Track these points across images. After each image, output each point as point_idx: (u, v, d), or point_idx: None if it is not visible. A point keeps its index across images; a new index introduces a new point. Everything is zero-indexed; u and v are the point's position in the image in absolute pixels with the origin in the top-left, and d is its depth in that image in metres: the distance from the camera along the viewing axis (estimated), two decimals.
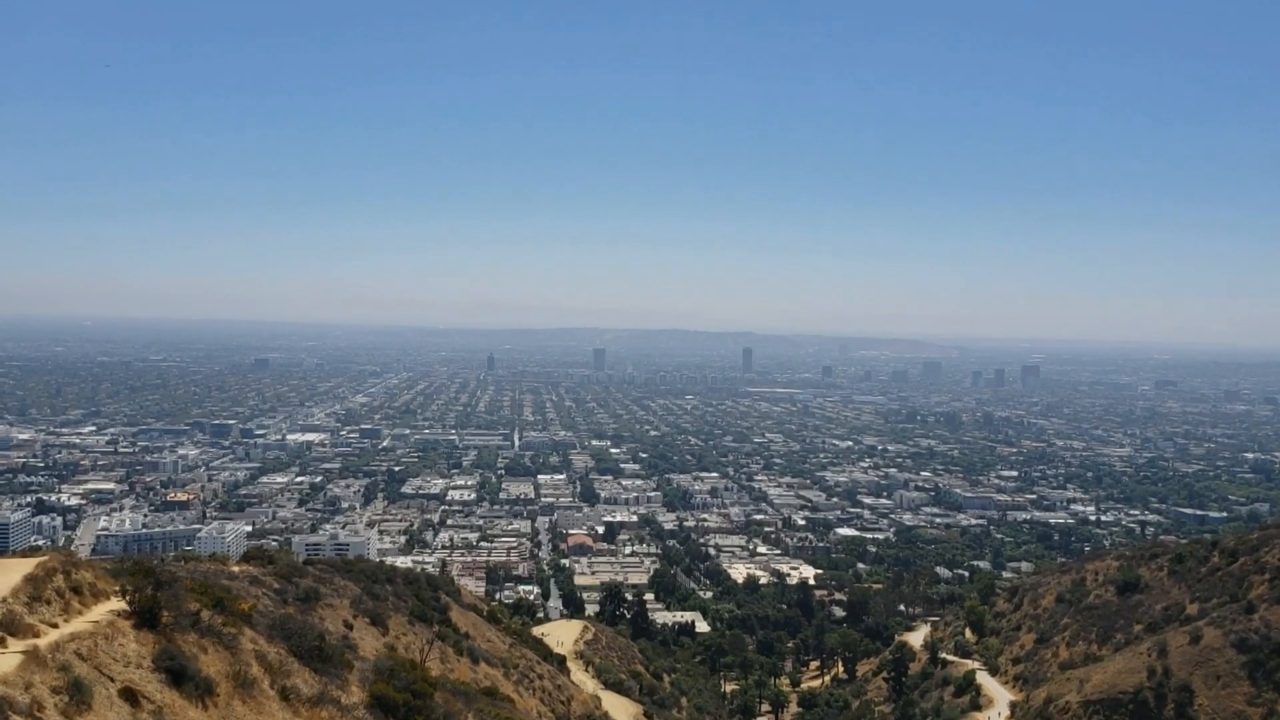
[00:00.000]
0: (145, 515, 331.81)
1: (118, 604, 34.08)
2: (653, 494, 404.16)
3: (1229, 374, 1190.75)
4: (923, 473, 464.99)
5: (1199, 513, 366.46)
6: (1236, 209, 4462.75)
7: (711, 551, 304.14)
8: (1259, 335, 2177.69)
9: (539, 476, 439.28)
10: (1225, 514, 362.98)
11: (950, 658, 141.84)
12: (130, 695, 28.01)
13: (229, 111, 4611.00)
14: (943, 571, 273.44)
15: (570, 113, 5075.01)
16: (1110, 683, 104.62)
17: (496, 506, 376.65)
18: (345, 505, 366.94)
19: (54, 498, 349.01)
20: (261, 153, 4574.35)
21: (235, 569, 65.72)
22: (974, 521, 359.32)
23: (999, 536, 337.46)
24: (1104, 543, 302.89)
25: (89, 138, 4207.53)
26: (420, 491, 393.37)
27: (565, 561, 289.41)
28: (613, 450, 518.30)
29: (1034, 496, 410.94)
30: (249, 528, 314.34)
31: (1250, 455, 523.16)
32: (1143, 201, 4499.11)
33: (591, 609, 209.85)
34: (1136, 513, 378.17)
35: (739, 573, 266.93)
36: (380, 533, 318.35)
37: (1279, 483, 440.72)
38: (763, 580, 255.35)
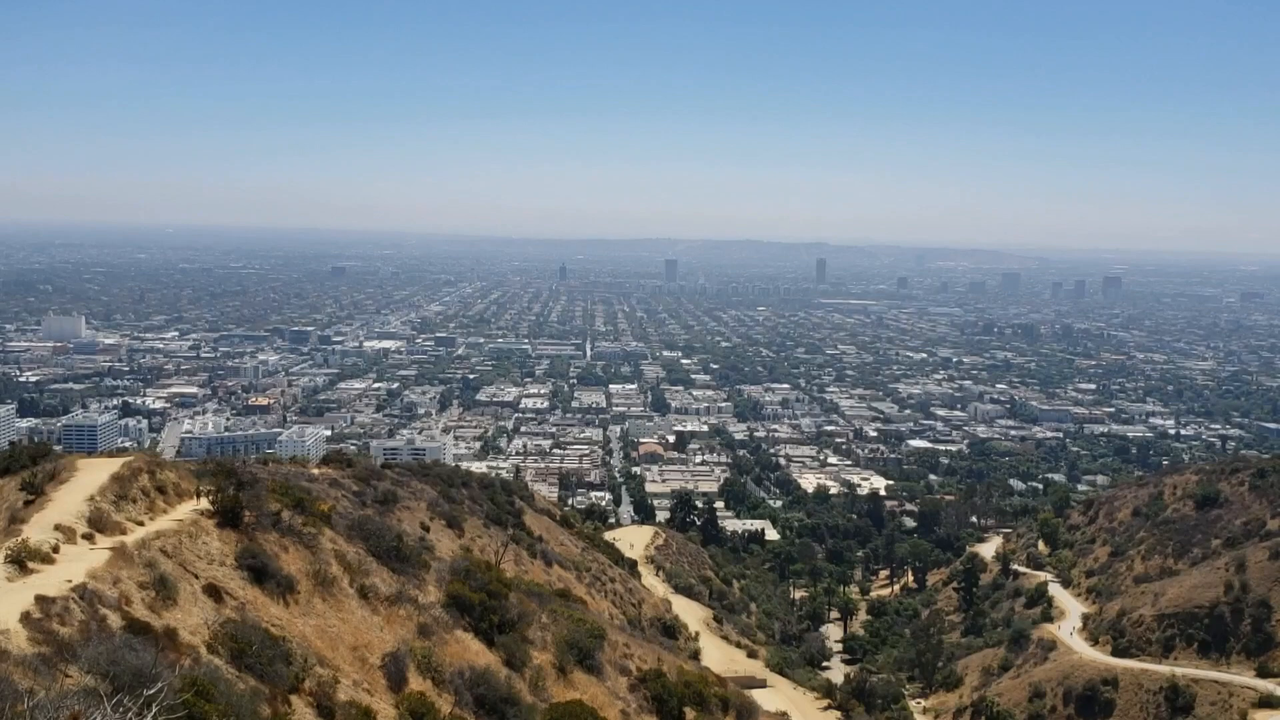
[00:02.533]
0: (227, 419, 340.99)
1: (202, 504, 34.96)
2: (723, 404, 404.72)
3: None
4: (998, 385, 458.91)
5: None
6: None
7: (782, 461, 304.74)
8: None
9: (610, 386, 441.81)
10: None
11: (1022, 569, 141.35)
12: (214, 591, 28.81)
13: (316, 20, 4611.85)
14: (1016, 484, 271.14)
15: (642, 19, 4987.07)
16: (1186, 597, 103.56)
17: (569, 415, 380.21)
18: (421, 411, 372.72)
19: (139, 401, 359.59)
20: (338, 64, 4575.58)
21: (315, 471, 67.22)
22: (1049, 434, 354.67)
23: (1075, 450, 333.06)
24: (1183, 457, 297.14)
25: (182, 53, 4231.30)
26: (494, 399, 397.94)
27: (636, 469, 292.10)
28: (684, 361, 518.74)
29: (1112, 410, 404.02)
30: (328, 432, 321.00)
31: None
32: (1225, 111, 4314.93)
33: (662, 516, 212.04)
34: (1218, 427, 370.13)
35: (809, 482, 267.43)
36: (455, 439, 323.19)
37: None
38: (833, 490, 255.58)
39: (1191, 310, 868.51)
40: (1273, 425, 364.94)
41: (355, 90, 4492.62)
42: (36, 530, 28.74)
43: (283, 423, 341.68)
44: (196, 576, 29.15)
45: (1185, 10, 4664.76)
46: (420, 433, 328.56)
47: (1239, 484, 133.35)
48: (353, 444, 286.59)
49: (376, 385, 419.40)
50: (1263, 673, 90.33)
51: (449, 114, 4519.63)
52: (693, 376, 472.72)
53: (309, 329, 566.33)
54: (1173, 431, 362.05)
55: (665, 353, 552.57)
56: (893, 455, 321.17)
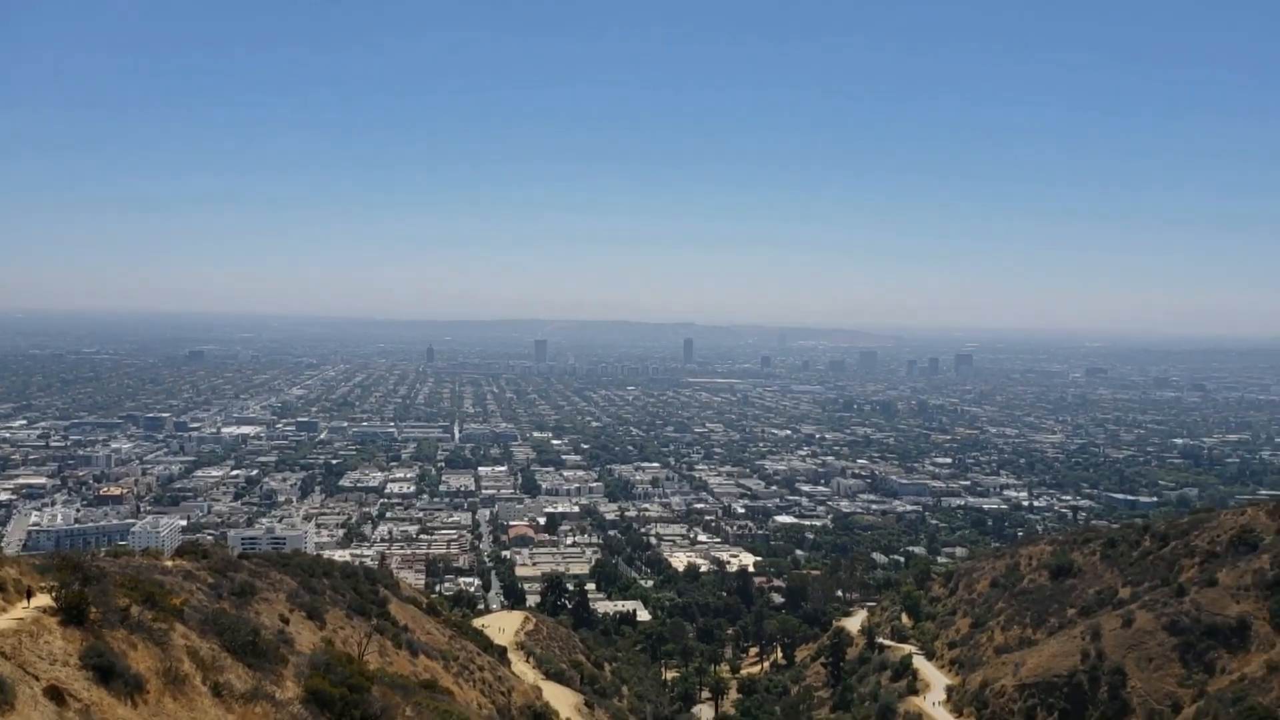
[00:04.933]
0: (78, 510, 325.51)
1: (45, 601, 33.39)
2: (594, 485, 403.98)
3: (1158, 361, 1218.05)
4: (859, 460, 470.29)
5: (1130, 498, 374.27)
6: (1164, 201, 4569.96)
7: (653, 541, 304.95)
8: (1188, 324, 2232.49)
9: (480, 468, 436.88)
10: (1155, 499, 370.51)
11: (887, 642, 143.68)
12: (56, 694, 27.45)
13: (153, 99, 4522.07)
14: (879, 557, 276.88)
15: (511, 105, 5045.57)
16: (1045, 666, 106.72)
17: (436, 499, 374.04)
18: (282, 499, 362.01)
19: None
20: (182, 143, 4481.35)
21: (168, 564, 64.65)
22: (909, 508, 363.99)
23: (934, 522, 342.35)
24: (1036, 528, 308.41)
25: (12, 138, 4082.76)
26: (358, 484, 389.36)
27: (506, 553, 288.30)
28: (554, 442, 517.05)
29: (968, 483, 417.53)
30: (184, 522, 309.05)
31: (1179, 441, 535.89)
32: (1072, 192, 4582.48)
33: (533, 600, 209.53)
34: (1068, 498, 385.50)
35: (680, 561, 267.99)
36: (318, 526, 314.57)
37: (1208, 468, 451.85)
38: (703, 568, 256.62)
39: (1040, 386, 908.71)
40: (1120, 495, 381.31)
41: (205, 170, 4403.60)
42: None
43: (136, 513, 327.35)
44: (37, 678, 27.73)
45: (1024, 105, 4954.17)
46: (280, 521, 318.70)
47: (1091, 554, 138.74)
48: (210, 534, 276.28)
49: (235, 472, 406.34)
50: None
51: (307, 196, 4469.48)
52: (563, 457, 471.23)
53: (164, 415, 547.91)
54: (1026, 503, 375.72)
55: (535, 434, 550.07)
56: (760, 531, 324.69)
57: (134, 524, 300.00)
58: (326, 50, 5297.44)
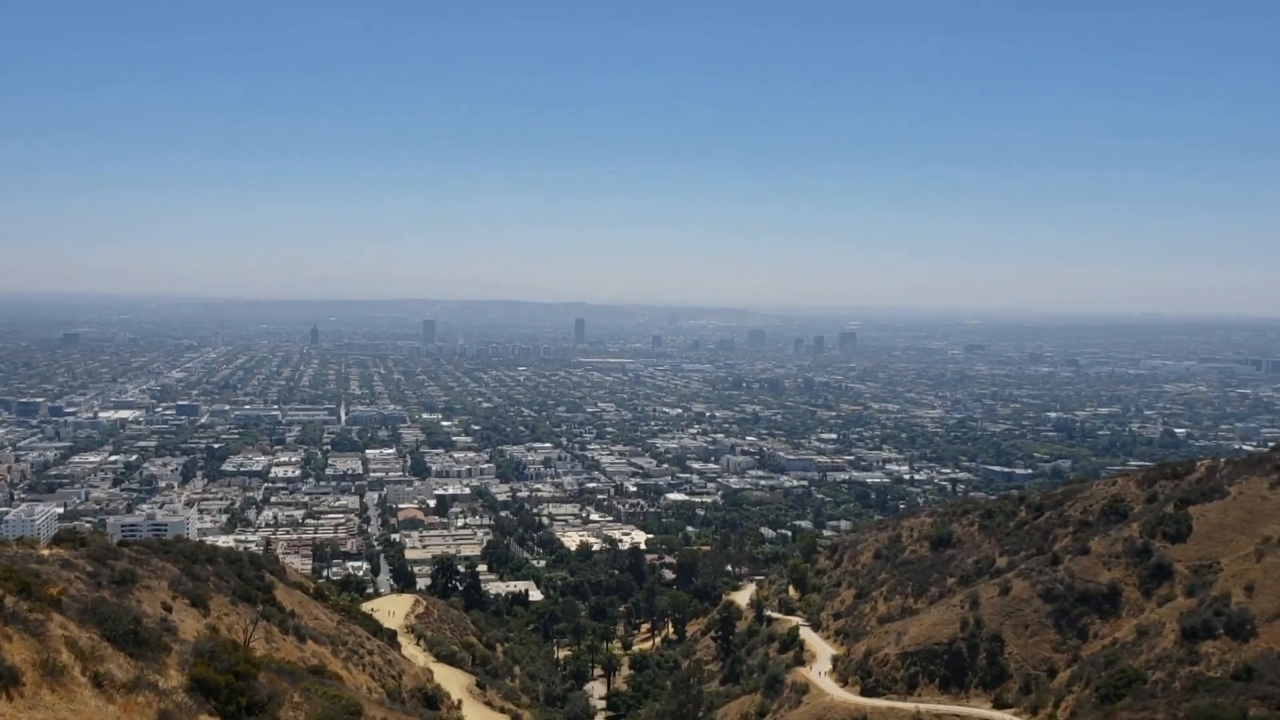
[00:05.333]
0: None
1: None
2: (486, 466, 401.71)
3: (1033, 338, 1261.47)
4: (748, 437, 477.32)
5: (1006, 470, 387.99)
6: (1037, 179, 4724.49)
7: (545, 521, 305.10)
8: (1061, 301, 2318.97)
9: (367, 451, 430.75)
10: (1031, 471, 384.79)
11: (775, 615, 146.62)
12: None
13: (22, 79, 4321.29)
14: (767, 532, 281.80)
15: (398, 77, 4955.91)
16: (926, 634, 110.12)
17: (323, 483, 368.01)
18: (163, 484, 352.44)
19: None
20: (53, 123, 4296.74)
21: (45, 552, 62.65)
22: (796, 483, 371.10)
23: (820, 497, 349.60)
24: (918, 500, 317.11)
25: None
26: (242, 469, 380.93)
27: (396, 536, 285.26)
28: (444, 423, 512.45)
29: (852, 458, 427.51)
30: (60, 509, 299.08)
31: (1053, 414, 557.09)
32: (946, 170, 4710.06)
33: (423, 583, 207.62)
34: (948, 471, 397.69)
35: (572, 540, 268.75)
36: (200, 512, 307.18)
37: (1080, 440, 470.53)
38: (595, 547, 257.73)
39: (920, 362, 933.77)
40: (997, 468, 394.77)
41: (73, 149, 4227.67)
42: None
43: (9, 501, 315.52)
44: None
45: (893, 84, 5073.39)
46: (161, 507, 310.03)
47: (969, 524, 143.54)
48: (88, 521, 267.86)
49: (113, 458, 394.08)
50: (999, 704, 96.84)
51: (180, 174, 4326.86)
52: (454, 439, 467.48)
53: (38, 400, 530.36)
54: (907, 476, 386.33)
55: (425, 415, 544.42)
56: (652, 509, 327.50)
57: (7, 512, 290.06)
58: (178, 32, 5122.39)
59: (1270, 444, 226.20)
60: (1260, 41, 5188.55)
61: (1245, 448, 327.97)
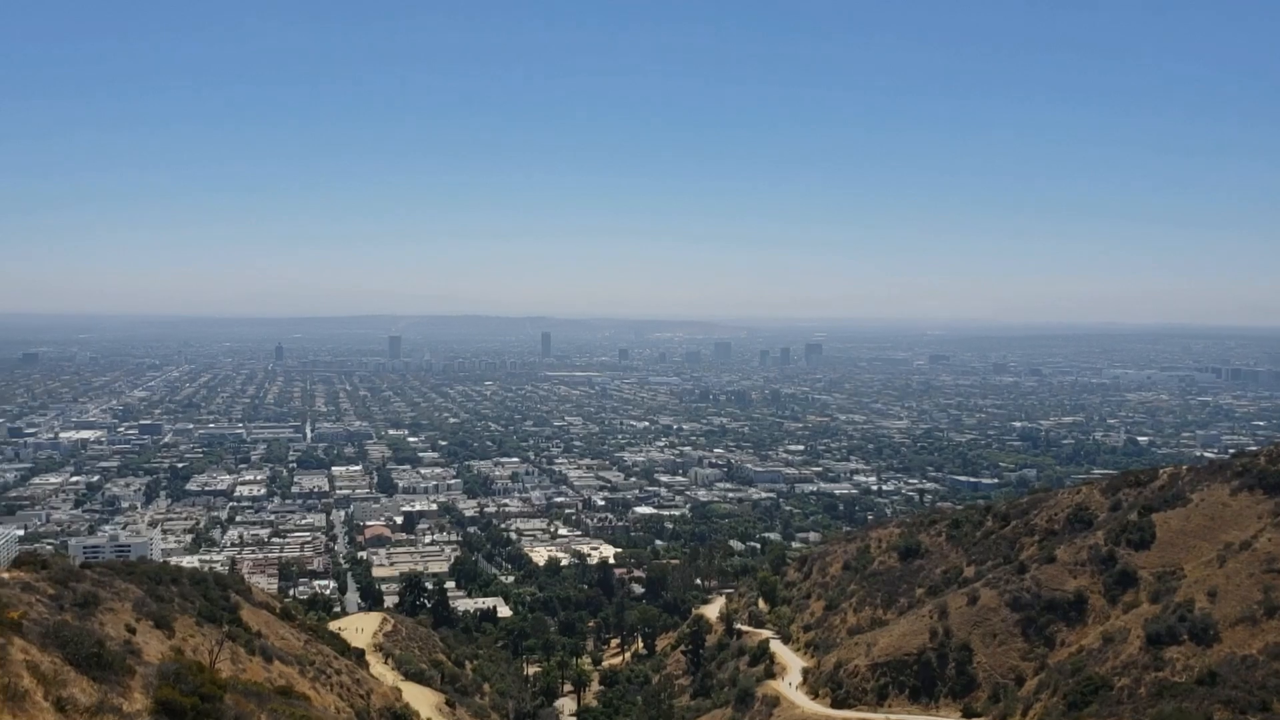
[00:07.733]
0: None
1: None
2: (453, 481, 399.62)
3: (997, 348, 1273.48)
4: (716, 450, 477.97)
5: (972, 480, 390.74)
6: (999, 190, 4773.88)
7: (513, 536, 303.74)
8: (1023, 311, 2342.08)
9: (333, 468, 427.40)
10: (996, 480, 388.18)
11: (745, 628, 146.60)
12: None
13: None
14: (736, 544, 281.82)
15: (351, 98, 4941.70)
16: (895, 645, 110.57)
17: (289, 501, 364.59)
18: (125, 505, 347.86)
19: None
20: (6, 130, 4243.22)
21: (5, 575, 61.77)
22: (764, 495, 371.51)
23: (788, 509, 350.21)
24: (886, 511, 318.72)
25: None
26: (206, 488, 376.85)
27: (363, 554, 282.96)
28: (411, 439, 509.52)
29: (820, 469, 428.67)
30: (20, 532, 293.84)
31: (1018, 424, 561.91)
32: (912, 182, 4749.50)
33: (391, 600, 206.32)
34: (915, 481, 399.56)
35: (540, 556, 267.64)
36: (164, 532, 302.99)
37: (1045, 449, 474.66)
38: (564, 562, 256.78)
39: (886, 373, 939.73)
40: (964, 478, 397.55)
41: (31, 166, 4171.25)
42: None
43: None
44: None
45: (860, 91, 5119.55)
46: (124, 528, 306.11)
47: (937, 535, 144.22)
48: (49, 544, 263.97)
49: (75, 479, 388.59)
50: (967, 714, 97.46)
51: (141, 192, 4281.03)
52: (420, 454, 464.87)
53: None
54: (875, 487, 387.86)
55: (391, 431, 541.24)
56: (620, 523, 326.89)
57: None
58: (136, 40, 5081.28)
59: (1231, 451, 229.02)
60: (1215, 51, 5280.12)
61: (1207, 455, 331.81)
